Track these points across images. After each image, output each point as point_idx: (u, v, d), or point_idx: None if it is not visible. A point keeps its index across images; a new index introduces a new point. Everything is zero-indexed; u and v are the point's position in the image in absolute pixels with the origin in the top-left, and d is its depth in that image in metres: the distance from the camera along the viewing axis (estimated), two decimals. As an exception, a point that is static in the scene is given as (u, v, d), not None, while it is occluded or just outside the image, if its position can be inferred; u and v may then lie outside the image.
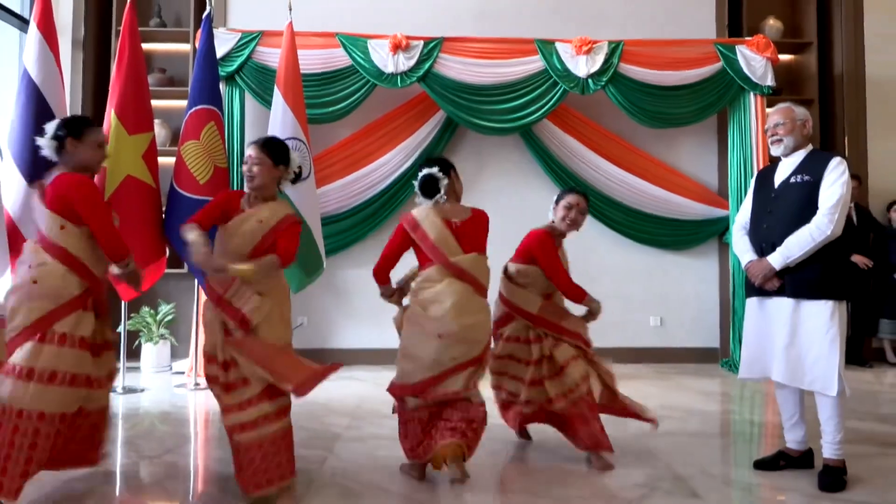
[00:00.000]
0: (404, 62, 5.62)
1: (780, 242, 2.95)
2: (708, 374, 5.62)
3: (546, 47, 5.74)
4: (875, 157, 6.23)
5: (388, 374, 5.55)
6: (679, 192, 6.00)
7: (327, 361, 5.85)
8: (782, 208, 3.02)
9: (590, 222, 6.00)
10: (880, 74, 6.24)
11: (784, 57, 6.24)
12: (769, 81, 5.74)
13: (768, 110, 3.35)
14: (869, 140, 6.22)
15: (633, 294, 6.12)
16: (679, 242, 6.13)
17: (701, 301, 6.17)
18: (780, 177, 3.11)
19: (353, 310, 6.04)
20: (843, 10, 6.21)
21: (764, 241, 3.05)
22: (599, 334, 6.07)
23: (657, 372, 5.70)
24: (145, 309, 5.63)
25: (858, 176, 5.97)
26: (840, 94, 6.23)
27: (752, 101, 5.80)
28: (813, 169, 2.99)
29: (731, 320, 5.92)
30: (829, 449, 2.93)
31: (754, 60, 5.73)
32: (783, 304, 2.96)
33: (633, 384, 5.17)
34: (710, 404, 4.65)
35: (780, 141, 3.07)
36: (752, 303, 3.13)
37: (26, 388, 2.45)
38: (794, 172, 3.03)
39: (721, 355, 6.08)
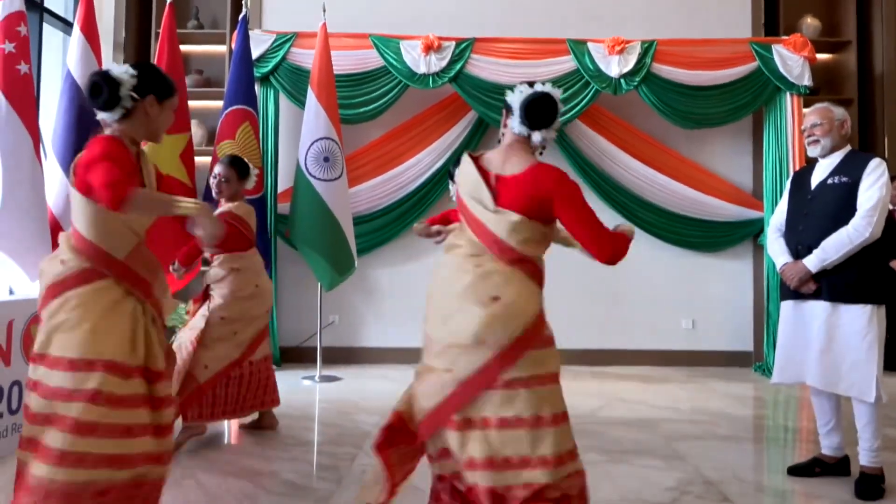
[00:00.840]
0: (436, 63, 5.64)
1: (816, 245, 2.91)
2: (740, 378, 5.53)
3: (578, 47, 5.71)
4: (916, 159, 6.07)
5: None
6: (712, 193, 5.92)
7: (358, 359, 5.99)
8: (819, 210, 2.97)
9: (621, 223, 5.97)
10: (922, 73, 6.08)
11: (822, 56, 6.11)
12: (806, 81, 5.64)
13: (805, 110, 3.28)
14: (910, 141, 6.06)
15: (665, 296, 6.06)
16: (712, 244, 6.05)
17: (734, 304, 6.08)
18: (816, 178, 3.06)
19: (383, 309, 6.08)
20: (884, 8, 6.06)
21: (800, 243, 3.00)
22: (629, 336, 6.13)
23: (688, 375, 5.64)
24: (181, 306, 5.73)
25: None
26: (880, 94, 6.08)
27: (789, 101, 5.70)
28: (851, 170, 2.94)
29: (764, 324, 5.82)
30: (865, 456, 2.88)
31: (791, 60, 5.64)
32: (819, 307, 2.92)
33: (663, 387, 5.13)
34: (743, 409, 4.58)
35: (817, 142, 3.02)
36: (786, 306, 3.09)
37: None
38: (832, 174, 2.98)
39: (754, 359, 5.98)
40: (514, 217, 2.02)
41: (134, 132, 2.15)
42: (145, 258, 2.16)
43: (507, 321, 1.96)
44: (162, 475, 2.08)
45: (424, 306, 2.14)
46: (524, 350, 1.97)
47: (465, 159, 2.17)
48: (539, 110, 2.10)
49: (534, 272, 2.08)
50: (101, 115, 2.13)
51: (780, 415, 4.51)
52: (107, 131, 2.14)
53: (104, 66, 2.18)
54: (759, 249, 5.99)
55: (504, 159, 2.13)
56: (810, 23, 6.13)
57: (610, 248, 2.04)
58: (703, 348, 6.05)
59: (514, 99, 2.13)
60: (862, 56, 6.16)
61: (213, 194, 3.70)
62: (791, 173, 5.56)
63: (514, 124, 2.13)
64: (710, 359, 6.02)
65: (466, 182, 2.13)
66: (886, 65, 6.05)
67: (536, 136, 2.12)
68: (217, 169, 3.68)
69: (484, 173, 2.12)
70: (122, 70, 2.12)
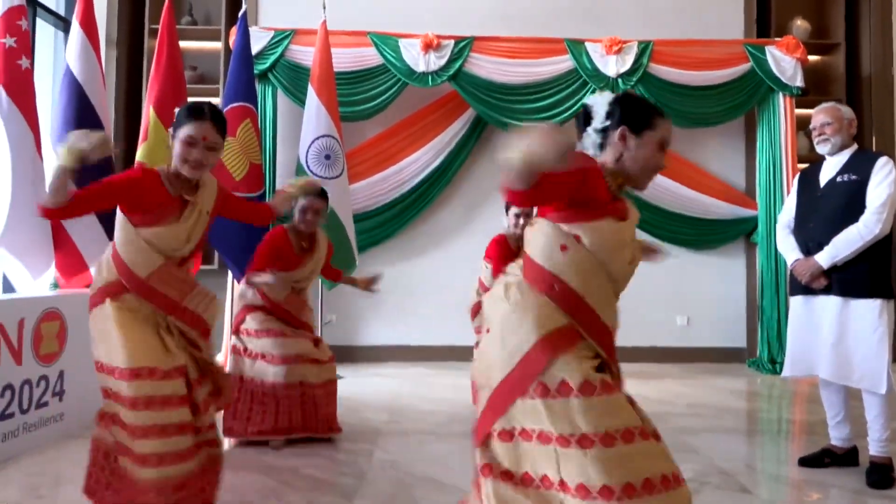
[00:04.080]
0: (435, 61, 5.66)
1: (826, 241, 2.97)
2: (735, 374, 5.63)
3: (576, 47, 5.77)
4: (903, 159, 6.21)
5: (417, 371, 5.67)
6: (706, 191, 6.01)
7: (356, 357, 5.98)
8: (828, 207, 3.04)
9: (617, 221, 6.03)
10: (909, 75, 6.24)
11: (811, 58, 6.23)
12: (798, 82, 5.76)
13: (811, 110, 3.36)
14: (896, 141, 6.22)
15: (660, 294, 6.12)
16: (706, 242, 6.15)
17: (728, 301, 6.18)
18: (825, 176, 3.13)
19: (382, 307, 6.08)
20: (872, 11, 6.21)
21: (810, 240, 3.07)
22: (625, 333, 6.14)
23: (685, 371, 5.72)
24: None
25: None
26: (867, 96, 6.22)
27: (781, 101, 5.82)
28: (860, 168, 3.01)
29: (758, 320, 5.93)
30: (875, 446, 2.95)
31: (784, 61, 5.75)
32: (830, 302, 2.99)
33: (661, 383, 5.21)
34: (742, 403, 4.67)
35: (827, 140, 3.09)
36: (797, 301, 3.15)
37: None
38: (841, 171, 3.06)
39: (748, 355, 6.09)
40: (540, 221, 1.79)
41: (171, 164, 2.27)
42: (172, 277, 2.23)
43: (495, 356, 1.71)
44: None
45: None
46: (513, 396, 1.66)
47: None
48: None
49: (557, 295, 1.70)
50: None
51: (777, 408, 4.60)
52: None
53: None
54: (751, 247, 6.10)
55: None
56: (800, 24, 6.25)
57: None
58: (698, 345, 6.15)
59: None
60: (850, 58, 6.29)
61: (301, 225, 3.50)
62: (784, 172, 5.72)
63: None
64: (705, 355, 6.12)
65: None
66: (874, 67, 6.19)
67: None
68: (307, 201, 3.43)
69: None
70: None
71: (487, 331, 1.74)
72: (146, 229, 2.18)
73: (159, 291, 2.19)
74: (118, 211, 2.22)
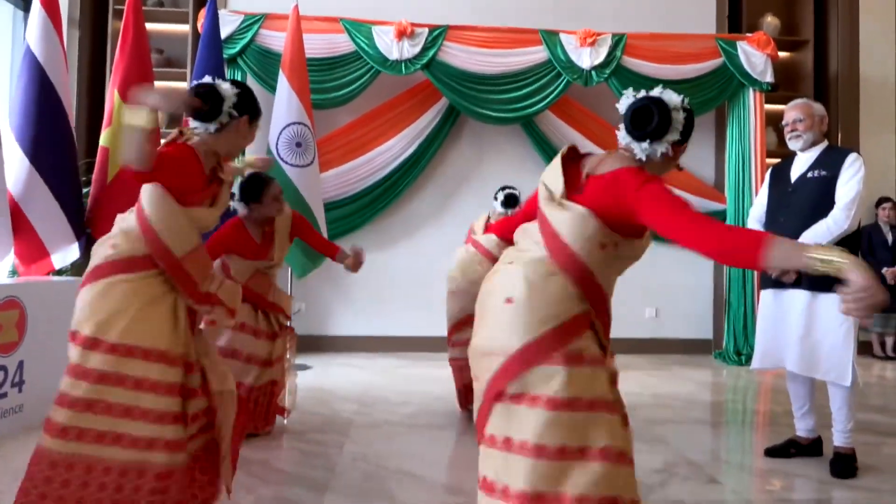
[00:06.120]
0: (409, 49, 5.59)
1: (796, 236, 3.00)
2: (702, 365, 5.72)
3: (550, 38, 5.75)
4: (866, 155, 6.30)
5: (387, 362, 5.64)
6: (676, 185, 6.05)
7: (325, 347, 5.93)
8: (799, 203, 3.08)
9: (589, 213, 6.06)
10: (874, 73, 6.37)
11: (781, 54, 6.31)
12: (768, 78, 5.83)
13: (780, 106, 3.40)
14: (861, 137, 6.34)
15: (629, 286, 6.11)
16: (675, 235, 6.20)
17: (695, 293, 6.26)
18: (796, 171, 3.17)
19: (352, 297, 6.03)
20: (840, 10, 6.31)
21: (781, 234, 3.09)
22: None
23: (653, 363, 5.79)
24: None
25: None
26: (834, 92, 6.33)
27: (751, 96, 5.89)
28: (830, 164, 3.05)
29: (724, 313, 6.02)
30: (840, 437, 3.01)
31: (755, 57, 5.82)
32: (798, 296, 3.03)
33: (631, 374, 5.25)
34: (709, 394, 4.74)
35: (799, 136, 3.13)
36: (767, 295, 3.20)
37: None
38: (812, 167, 3.10)
39: (714, 347, 6.18)
40: (581, 210, 1.75)
41: (219, 146, 2.21)
42: (201, 260, 2.18)
43: (516, 324, 1.73)
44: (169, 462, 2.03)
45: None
46: (532, 363, 1.70)
47: (560, 154, 1.93)
48: (642, 119, 1.81)
49: (584, 284, 1.76)
50: (194, 124, 2.19)
51: (743, 399, 4.68)
52: (194, 139, 2.17)
53: (210, 80, 2.21)
54: (719, 240, 6.17)
55: (602, 160, 1.87)
56: (770, 21, 6.32)
57: (715, 240, 1.56)
58: (666, 336, 6.22)
59: (622, 104, 1.89)
60: (818, 55, 6.39)
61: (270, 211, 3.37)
62: (752, 167, 5.79)
63: (620, 134, 1.87)
64: (673, 346, 6.20)
65: (548, 171, 1.92)
66: (841, 64, 6.30)
67: (639, 149, 1.81)
68: (274, 189, 3.35)
69: (576, 170, 1.90)
70: (227, 87, 2.20)
71: (509, 301, 1.76)
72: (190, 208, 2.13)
73: (190, 274, 2.12)
74: (158, 189, 2.07)
